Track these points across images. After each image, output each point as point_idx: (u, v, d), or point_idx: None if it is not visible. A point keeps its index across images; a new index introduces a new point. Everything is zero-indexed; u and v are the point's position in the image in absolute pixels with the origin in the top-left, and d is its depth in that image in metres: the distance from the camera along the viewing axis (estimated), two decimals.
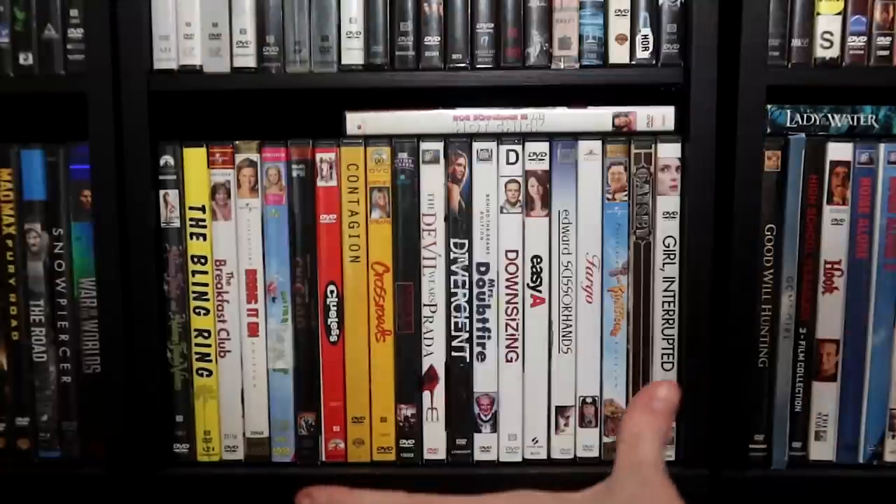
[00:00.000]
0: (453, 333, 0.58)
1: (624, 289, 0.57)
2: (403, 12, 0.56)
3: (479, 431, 0.59)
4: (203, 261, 0.58)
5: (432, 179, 0.57)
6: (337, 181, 0.57)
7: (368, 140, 0.57)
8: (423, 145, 0.56)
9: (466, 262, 0.57)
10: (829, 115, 0.57)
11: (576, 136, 0.56)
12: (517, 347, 0.58)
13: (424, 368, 0.58)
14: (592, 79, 0.56)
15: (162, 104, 0.58)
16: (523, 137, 0.56)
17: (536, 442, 0.59)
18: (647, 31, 0.56)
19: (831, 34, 0.56)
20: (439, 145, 0.56)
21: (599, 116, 0.56)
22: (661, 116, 0.56)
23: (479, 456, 0.59)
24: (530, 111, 0.56)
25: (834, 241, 0.56)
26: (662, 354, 0.58)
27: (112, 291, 0.57)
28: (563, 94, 0.57)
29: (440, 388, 0.59)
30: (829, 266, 0.57)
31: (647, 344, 0.58)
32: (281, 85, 0.57)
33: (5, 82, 0.56)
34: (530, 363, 0.58)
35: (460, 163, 0.56)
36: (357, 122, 0.56)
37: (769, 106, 0.56)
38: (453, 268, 0.57)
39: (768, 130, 0.56)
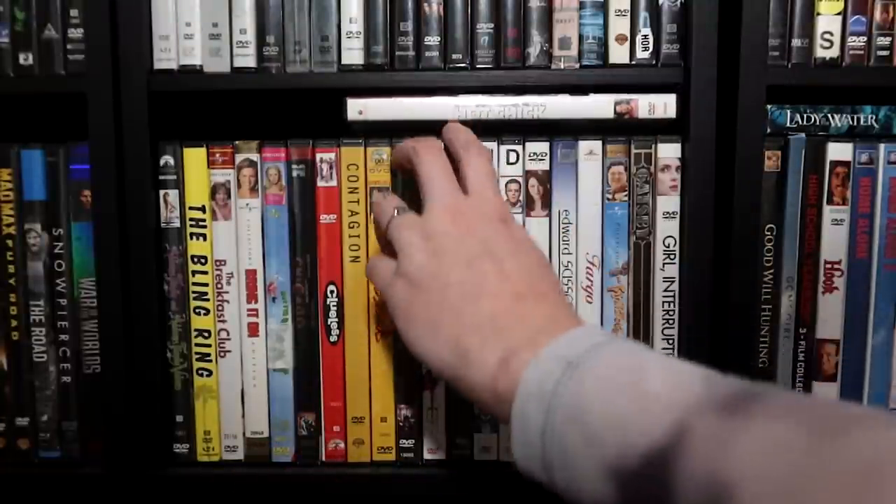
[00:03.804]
0: None
1: (624, 289, 0.57)
2: (403, 12, 0.56)
3: (480, 431, 0.59)
4: (203, 261, 0.58)
5: None
6: (337, 181, 0.57)
7: (368, 140, 0.57)
8: None
9: None
10: (829, 115, 0.57)
11: (576, 136, 0.56)
12: None
13: (424, 368, 0.58)
14: (592, 79, 0.56)
15: (162, 104, 0.58)
16: (524, 138, 0.56)
17: None
18: (647, 31, 0.56)
19: (831, 34, 0.56)
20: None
21: (601, 104, 0.56)
22: (663, 104, 0.56)
23: (479, 456, 0.59)
24: (531, 98, 0.56)
25: (834, 241, 0.56)
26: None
27: (112, 291, 0.57)
28: (563, 94, 0.57)
29: (440, 388, 0.59)
30: (829, 266, 0.57)
31: (647, 344, 0.58)
32: (281, 85, 0.57)
33: (5, 82, 0.56)
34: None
35: None
36: (358, 107, 0.56)
37: (769, 106, 0.56)
38: None
39: (768, 130, 0.56)
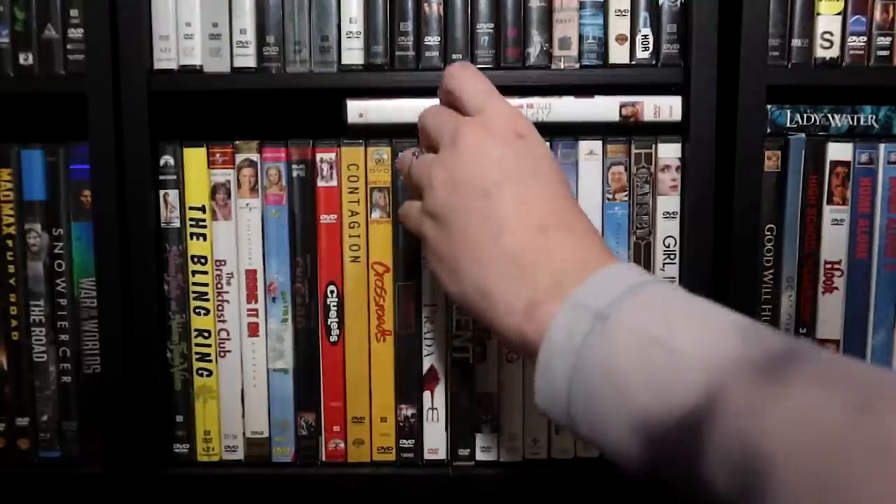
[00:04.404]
0: (454, 333, 0.58)
1: None
2: (403, 12, 0.56)
3: (480, 431, 0.59)
4: (203, 261, 0.58)
5: None
6: (337, 181, 0.57)
7: (369, 140, 0.57)
8: None
9: None
10: (829, 115, 0.57)
11: (576, 136, 0.56)
12: None
13: (425, 368, 0.58)
14: (592, 79, 0.56)
15: (162, 104, 0.58)
16: None
17: (537, 442, 0.59)
18: (647, 31, 0.56)
19: (831, 34, 0.56)
20: None
21: (606, 106, 0.56)
22: (669, 107, 0.56)
23: (479, 456, 0.59)
24: (536, 100, 0.56)
25: (834, 241, 0.56)
26: None
27: (112, 291, 0.57)
28: (563, 94, 0.57)
29: (440, 388, 0.59)
30: (829, 266, 0.57)
31: None
32: (281, 85, 0.57)
33: (5, 82, 0.56)
34: (531, 363, 0.58)
35: None
36: (359, 110, 0.56)
37: (769, 106, 0.56)
38: None
39: (768, 130, 0.56)
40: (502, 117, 0.41)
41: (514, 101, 0.56)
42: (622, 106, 0.56)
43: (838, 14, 0.56)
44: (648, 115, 0.56)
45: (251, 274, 0.58)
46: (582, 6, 0.56)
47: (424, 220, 0.42)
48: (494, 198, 0.39)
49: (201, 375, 0.59)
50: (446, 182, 0.40)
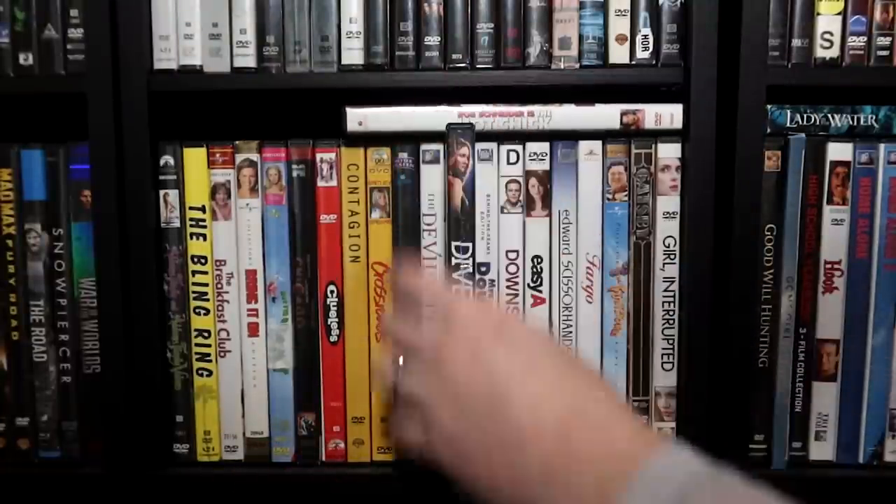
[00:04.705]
0: None
1: (624, 289, 0.57)
2: (403, 12, 0.56)
3: None
4: (203, 261, 0.58)
5: (432, 179, 0.57)
6: (337, 181, 0.57)
7: (369, 140, 0.57)
8: (424, 145, 0.56)
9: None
10: (829, 115, 0.57)
11: (576, 137, 0.56)
12: None
13: None
14: (592, 79, 0.56)
15: (162, 104, 0.58)
16: (524, 137, 0.56)
17: None
18: (647, 31, 0.56)
19: (831, 34, 0.56)
20: (440, 145, 0.56)
21: (607, 114, 0.56)
22: (670, 114, 0.56)
23: None
24: (537, 108, 0.56)
25: (834, 241, 0.56)
26: (662, 354, 0.58)
27: (112, 291, 0.57)
28: (563, 94, 0.57)
29: None
30: (829, 266, 0.57)
31: (647, 344, 0.58)
32: (281, 85, 0.57)
33: (5, 82, 0.56)
34: None
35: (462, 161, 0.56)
36: (358, 118, 0.56)
37: (769, 106, 0.56)
38: None
39: (768, 130, 0.56)
40: (471, 320, 0.40)
41: (514, 108, 0.56)
42: (623, 114, 0.56)
43: (838, 14, 0.56)
44: (649, 123, 0.56)
45: (251, 274, 0.58)
46: (582, 6, 0.56)
47: (437, 442, 0.41)
48: (501, 414, 0.37)
49: (201, 375, 0.59)
50: (446, 407, 0.39)
